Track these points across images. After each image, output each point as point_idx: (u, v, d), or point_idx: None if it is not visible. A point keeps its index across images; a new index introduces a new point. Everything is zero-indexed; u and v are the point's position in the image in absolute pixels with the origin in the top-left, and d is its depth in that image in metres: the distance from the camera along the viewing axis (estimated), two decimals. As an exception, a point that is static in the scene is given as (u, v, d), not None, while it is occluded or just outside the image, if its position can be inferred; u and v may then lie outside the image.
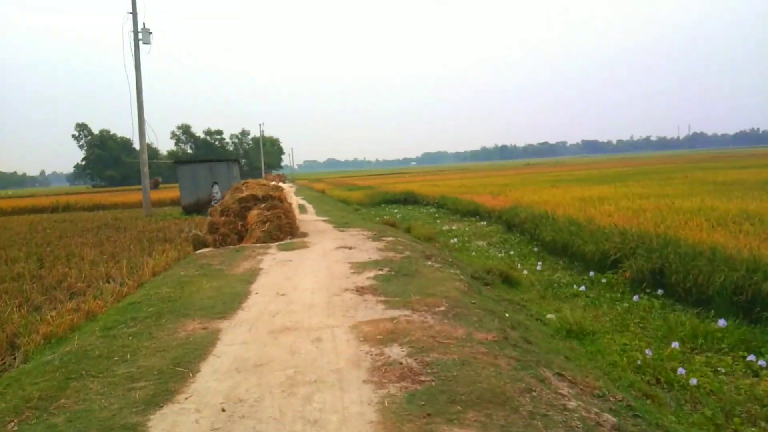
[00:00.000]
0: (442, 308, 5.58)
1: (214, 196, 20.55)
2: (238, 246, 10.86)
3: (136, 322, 5.48)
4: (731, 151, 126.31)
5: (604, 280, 9.69)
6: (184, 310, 5.82)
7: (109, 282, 8.47)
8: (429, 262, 8.42)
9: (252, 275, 7.83)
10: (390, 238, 11.25)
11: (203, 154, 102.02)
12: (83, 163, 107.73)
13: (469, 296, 6.35)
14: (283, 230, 11.44)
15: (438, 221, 21.47)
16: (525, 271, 10.70)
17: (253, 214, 11.39)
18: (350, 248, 9.96)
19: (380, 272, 7.56)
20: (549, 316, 7.43)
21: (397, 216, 24.20)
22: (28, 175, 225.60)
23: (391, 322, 5.03)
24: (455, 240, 15.31)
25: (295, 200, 15.01)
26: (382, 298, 6.04)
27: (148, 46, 20.49)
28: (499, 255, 13.25)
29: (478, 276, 8.68)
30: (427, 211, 26.13)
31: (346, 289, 6.58)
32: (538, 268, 11.30)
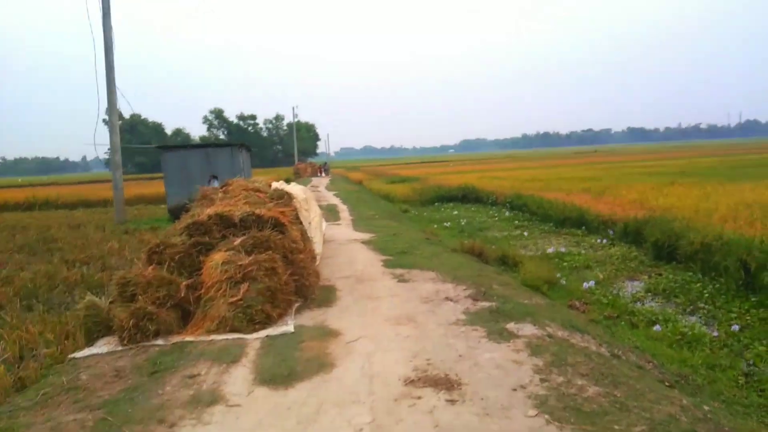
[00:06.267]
0: None
1: (212, 195, 14.42)
2: (171, 343, 4.57)
3: None
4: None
5: None
6: None
7: None
8: None
9: None
10: (529, 329, 4.68)
11: (236, 139, 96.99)
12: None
13: None
14: (280, 298, 5.09)
15: (525, 234, 14.91)
16: None
17: (215, 260, 5.08)
18: (451, 394, 3.48)
19: None
20: None
21: (462, 222, 17.75)
22: (70, 160, 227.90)
23: None
24: (591, 284, 8.81)
25: (317, 211, 8.51)
26: None
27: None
28: (713, 334, 6.66)
29: None
30: (500, 215, 19.49)
31: None
32: None
